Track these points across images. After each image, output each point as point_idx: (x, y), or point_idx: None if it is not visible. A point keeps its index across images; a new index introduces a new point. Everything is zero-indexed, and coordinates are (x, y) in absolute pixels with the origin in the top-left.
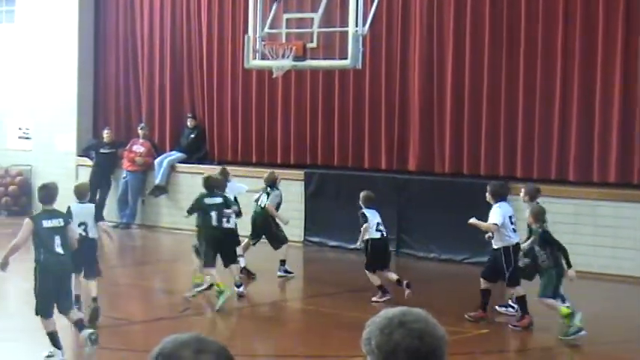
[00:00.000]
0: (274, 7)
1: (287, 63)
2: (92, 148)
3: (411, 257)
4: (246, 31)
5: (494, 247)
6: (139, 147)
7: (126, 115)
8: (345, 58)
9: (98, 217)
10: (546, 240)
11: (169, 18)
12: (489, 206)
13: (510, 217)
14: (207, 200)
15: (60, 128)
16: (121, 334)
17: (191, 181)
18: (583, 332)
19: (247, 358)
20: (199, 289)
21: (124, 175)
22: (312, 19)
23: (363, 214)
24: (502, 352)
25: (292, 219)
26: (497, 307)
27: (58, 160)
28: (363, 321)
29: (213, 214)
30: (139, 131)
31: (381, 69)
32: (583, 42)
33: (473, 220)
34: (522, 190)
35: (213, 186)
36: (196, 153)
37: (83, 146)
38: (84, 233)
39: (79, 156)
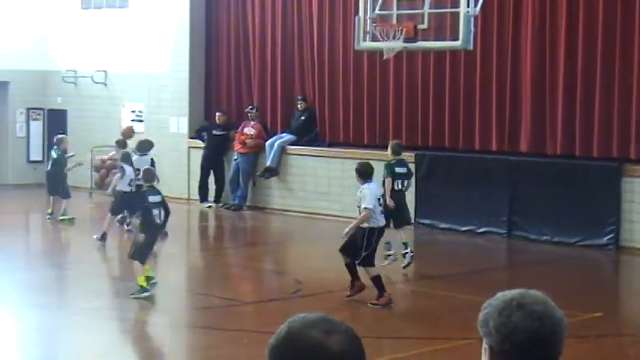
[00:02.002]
0: None
1: (398, 44)
2: (204, 130)
3: (523, 239)
4: (356, 12)
5: (361, 225)
6: (250, 129)
7: (237, 98)
8: (457, 39)
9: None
10: None
11: (281, 0)
12: (601, 188)
13: (378, 199)
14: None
15: (172, 111)
16: (233, 314)
17: (302, 163)
18: None
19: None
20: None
21: (235, 157)
22: (423, 0)
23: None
24: (617, 335)
25: None
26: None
27: (170, 142)
28: (475, 303)
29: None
30: (248, 114)
31: (492, 49)
32: None
33: (347, 230)
34: None
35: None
36: (307, 135)
37: (195, 128)
38: None
39: (192, 138)
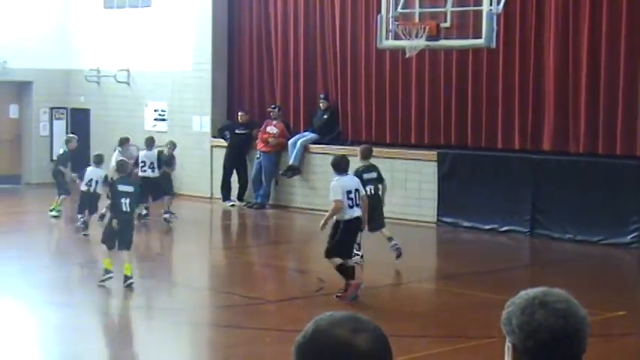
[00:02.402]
0: None
1: (420, 43)
2: (227, 129)
3: (546, 238)
4: (379, 10)
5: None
6: (272, 128)
7: (260, 97)
8: (479, 38)
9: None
10: None
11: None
12: (624, 186)
13: (349, 192)
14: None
15: (195, 110)
16: (256, 313)
17: (324, 162)
18: None
19: None
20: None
21: (258, 156)
22: None
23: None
24: None
25: (426, 199)
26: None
27: (193, 141)
28: (497, 302)
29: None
30: (271, 113)
31: (515, 48)
32: None
33: (322, 222)
34: None
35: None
36: (329, 134)
37: (218, 127)
38: None
39: (214, 137)
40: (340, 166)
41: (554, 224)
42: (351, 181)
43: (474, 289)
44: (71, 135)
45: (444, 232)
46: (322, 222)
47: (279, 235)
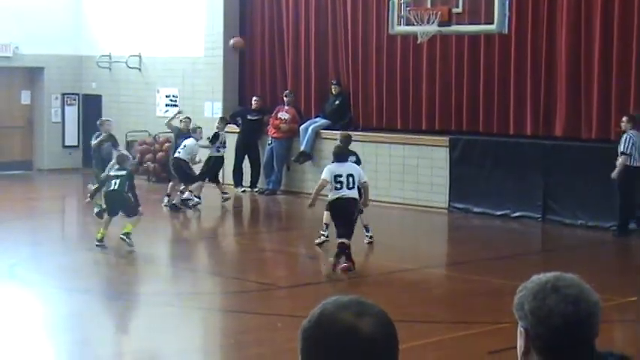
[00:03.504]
0: None
1: (432, 28)
2: (239, 115)
3: (557, 224)
4: None
5: None
6: (284, 114)
7: (271, 83)
8: (491, 23)
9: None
10: None
11: None
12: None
13: (337, 176)
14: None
15: (207, 95)
16: (268, 298)
17: None
18: None
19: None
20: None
21: (270, 142)
22: None
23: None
24: None
25: (437, 185)
26: None
27: (205, 127)
28: (508, 288)
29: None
30: (285, 98)
31: (527, 34)
32: None
33: (310, 202)
34: None
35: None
36: (341, 120)
37: (230, 113)
38: None
39: (226, 123)
40: (336, 154)
41: (565, 210)
42: (341, 167)
43: (486, 275)
44: (104, 118)
45: (456, 218)
46: (310, 201)
47: (291, 221)
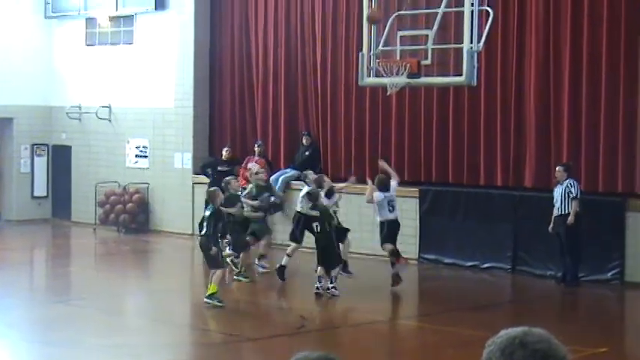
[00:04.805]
0: (388, 25)
1: (401, 80)
2: (209, 166)
3: (527, 274)
4: (360, 48)
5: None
6: (254, 164)
7: (241, 133)
8: (460, 75)
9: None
10: None
11: (284, 37)
12: (606, 223)
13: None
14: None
15: (177, 146)
16: (237, 350)
17: None
18: None
19: None
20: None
21: (240, 193)
22: (427, 36)
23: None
24: None
25: (407, 236)
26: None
27: (175, 178)
28: (479, 339)
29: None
30: (255, 149)
31: (496, 85)
32: None
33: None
34: None
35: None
36: (311, 170)
37: (200, 164)
38: None
39: (196, 174)
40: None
41: (536, 261)
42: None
43: (456, 327)
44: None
45: (426, 269)
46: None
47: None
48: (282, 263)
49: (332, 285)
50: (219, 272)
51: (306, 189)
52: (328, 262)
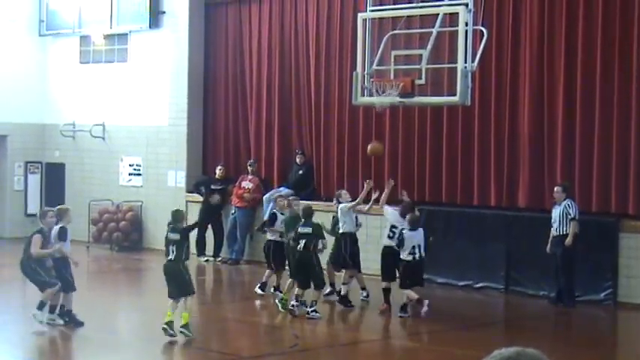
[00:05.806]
0: (382, 44)
1: (395, 99)
2: (203, 184)
3: (520, 295)
4: (354, 67)
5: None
6: (247, 183)
7: (235, 152)
8: (454, 95)
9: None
10: None
11: (277, 56)
12: (599, 243)
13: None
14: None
15: (170, 164)
16: None
17: None
18: None
19: None
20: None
21: (233, 212)
22: (421, 55)
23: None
24: None
25: None
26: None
27: (168, 196)
28: (472, 359)
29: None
30: (249, 167)
31: (490, 105)
32: None
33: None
34: None
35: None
36: (304, 189)
37: (193, 182)
38: None
39: (189, 192)
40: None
41: (528, 281)
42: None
43: (449, 346)
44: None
45: (419, 288)
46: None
47: (254, 290)
48: (342, 293)
49: (312, 309)
50: (190, 299)
51: (341, 206)
52: (303, 278)
